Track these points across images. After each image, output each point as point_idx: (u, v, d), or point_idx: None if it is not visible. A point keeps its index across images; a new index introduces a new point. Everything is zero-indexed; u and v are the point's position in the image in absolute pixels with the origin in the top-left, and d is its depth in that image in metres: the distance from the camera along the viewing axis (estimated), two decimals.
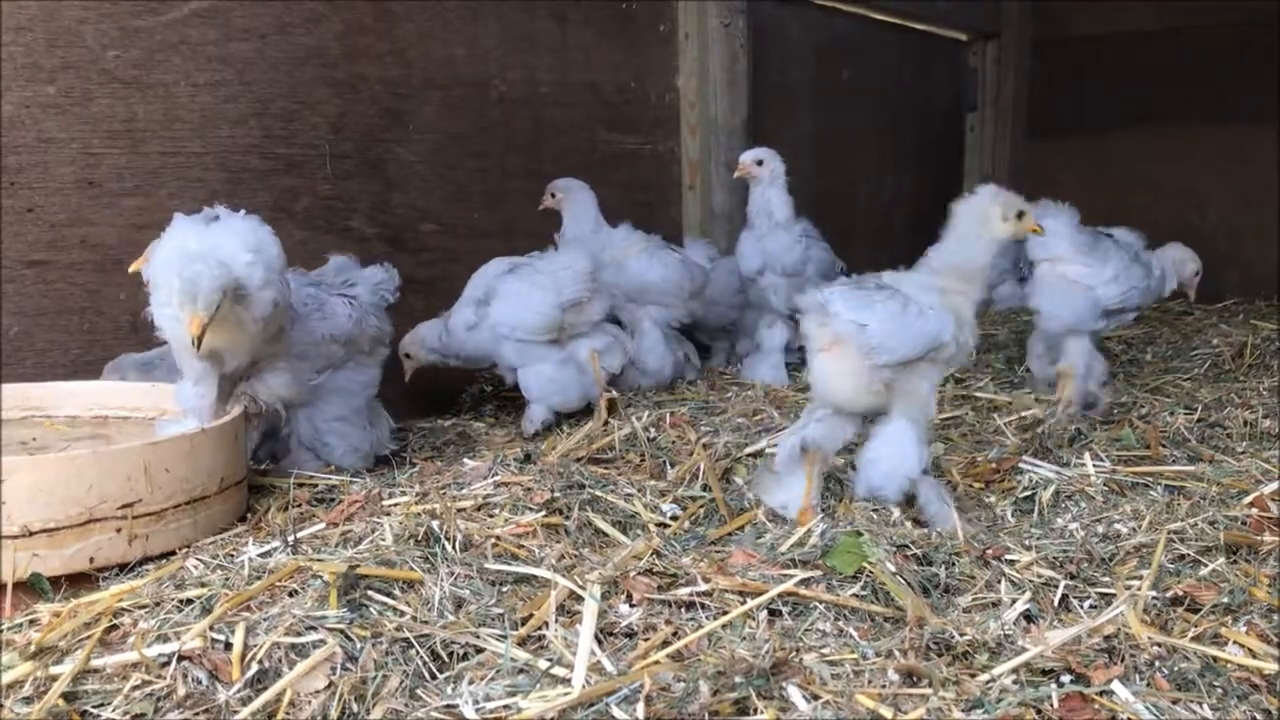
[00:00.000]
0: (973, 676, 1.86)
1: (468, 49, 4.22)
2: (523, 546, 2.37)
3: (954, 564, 2.35)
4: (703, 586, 2.16)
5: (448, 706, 1.76)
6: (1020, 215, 2.72)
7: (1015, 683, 1.84)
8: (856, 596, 2.18)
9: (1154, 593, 2.19)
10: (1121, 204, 6.95)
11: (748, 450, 3.19)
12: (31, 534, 2.13)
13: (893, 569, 2.25)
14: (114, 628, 2.00)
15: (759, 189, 4.17)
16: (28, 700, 1.79)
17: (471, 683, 1.83)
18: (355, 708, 1.77)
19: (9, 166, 3.14)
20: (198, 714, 1.74)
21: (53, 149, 3.23)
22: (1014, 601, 2.17)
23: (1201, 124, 6.56)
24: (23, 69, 3.14)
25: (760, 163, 4.16)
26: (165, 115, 3.42)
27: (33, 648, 1.91)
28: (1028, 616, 2.14)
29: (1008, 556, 2.39)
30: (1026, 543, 2.50)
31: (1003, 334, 5.28)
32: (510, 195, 4.36)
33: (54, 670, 1.85)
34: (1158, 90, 6.71)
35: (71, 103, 3.24)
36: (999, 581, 2.28)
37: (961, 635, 1.97)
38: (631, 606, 2.11)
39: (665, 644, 1.97)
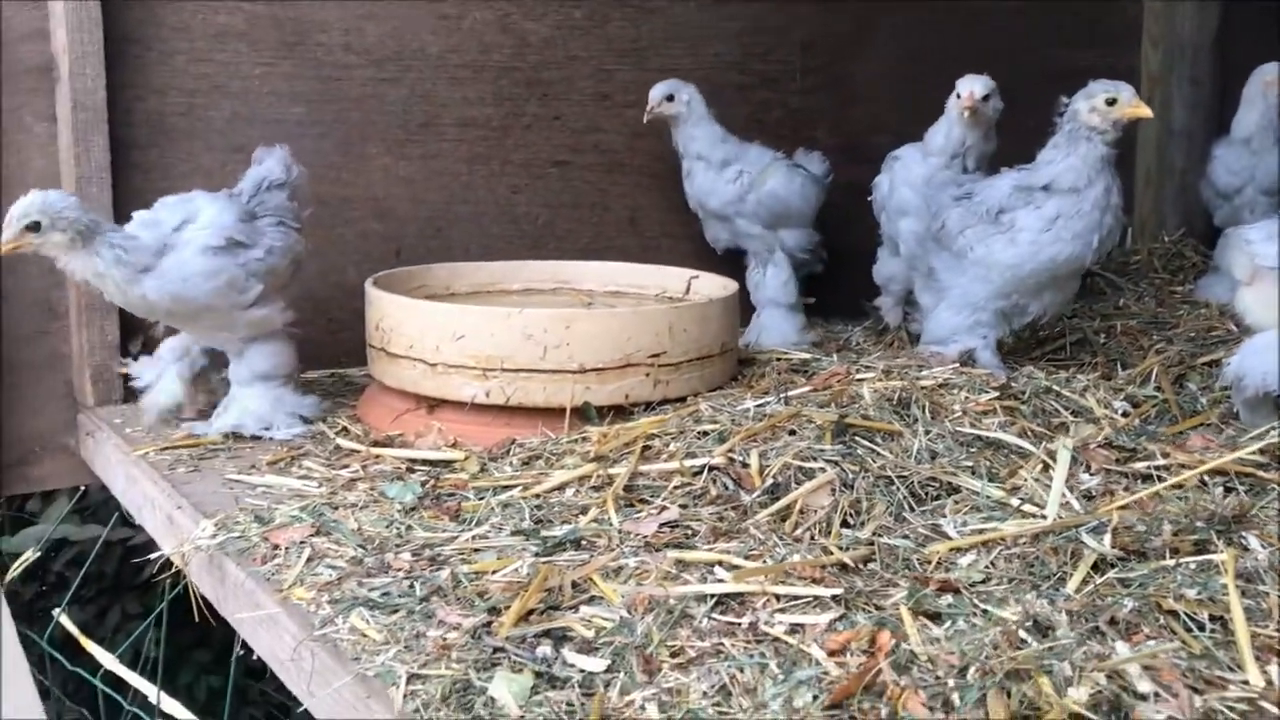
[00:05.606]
0: None
1: None
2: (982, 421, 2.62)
3: None
4: (1161, 461, 2.32)
5: (933, 525, 2.07)
6: None
7: None
8: None
9: None
10: None
11: (1201, 360, 3.24)
12: (585, 371, 2.66)
13: None
14: (648, 448, 2.48)
15: None
16: (596, 489, 2.30)
17: (951, 514, 2.13)
18: (851, 520, 2.12)
19: (543, 80, 3.74)
20: (727, 509, 2.16)
21: (575, 65, 3.80)
22: None
23: None
24: None
25: None
26: (665, 35, 3.91)
27: (591, 454, 2.43)
28: None
29: None
30: None
31: None
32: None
33: (611, 471, 2.35)
34: None
35: (593, 25, 3.79)
36: None
37: None
38: (1091, 474, 2.32)
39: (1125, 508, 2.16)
